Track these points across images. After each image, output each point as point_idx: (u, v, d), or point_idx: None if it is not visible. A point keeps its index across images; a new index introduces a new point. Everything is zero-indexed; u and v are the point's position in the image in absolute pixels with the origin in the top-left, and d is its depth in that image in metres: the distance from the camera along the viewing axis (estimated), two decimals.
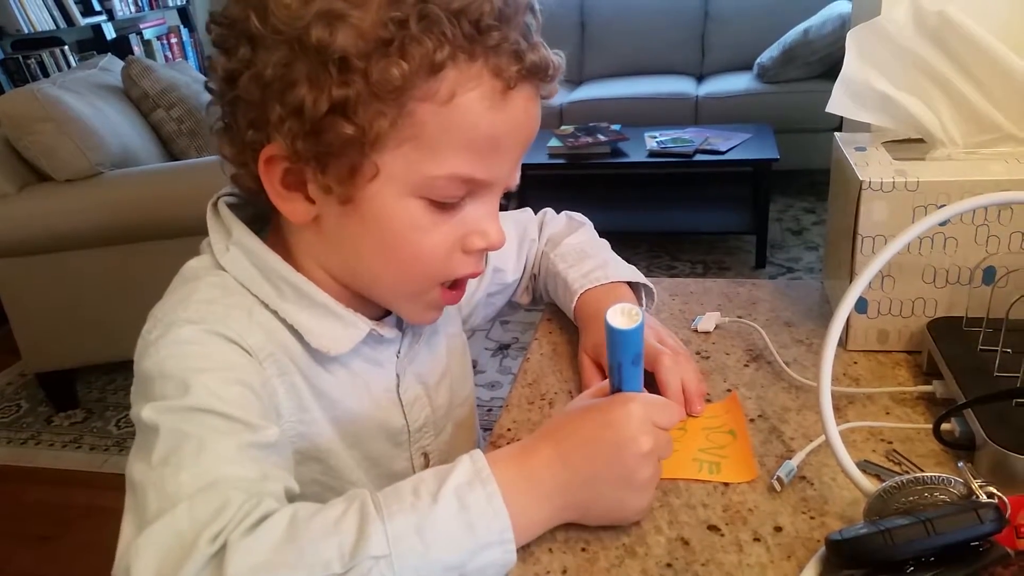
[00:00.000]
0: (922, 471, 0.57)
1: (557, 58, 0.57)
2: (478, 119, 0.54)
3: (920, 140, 0.75)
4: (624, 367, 0.54)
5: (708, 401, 0.70)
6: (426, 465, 0.73)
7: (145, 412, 0.50)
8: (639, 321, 0.51)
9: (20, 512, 2.09)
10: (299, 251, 0.62)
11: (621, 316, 0.51)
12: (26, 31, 3.57)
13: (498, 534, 0.48)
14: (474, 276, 0.64)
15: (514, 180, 0.61)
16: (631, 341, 0.52)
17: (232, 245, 0.61)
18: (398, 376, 0.69)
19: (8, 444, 2.36)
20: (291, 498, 0.51)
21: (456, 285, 0.64)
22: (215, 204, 0.63)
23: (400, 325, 0.69)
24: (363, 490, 0.48)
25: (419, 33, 0.50)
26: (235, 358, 0.56)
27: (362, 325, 0.63)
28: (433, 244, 0.58)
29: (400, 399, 0.69)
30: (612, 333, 0.51)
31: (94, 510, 1.98)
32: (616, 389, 0.55)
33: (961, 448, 0.59)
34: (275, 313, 0.60)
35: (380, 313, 0.68)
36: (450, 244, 0.59)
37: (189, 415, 0.50)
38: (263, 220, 0.64)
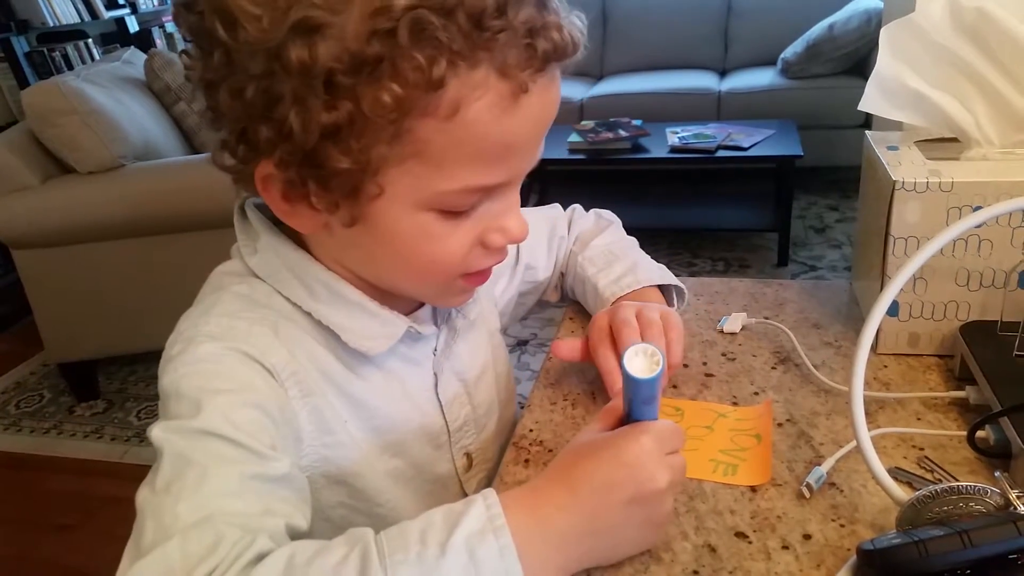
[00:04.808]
0: (955, 479, 0.56)
1: (579, 24, 0.50)
2: (487, 129, 0.48)
3: (954, 139, 0.73)
4: (635, 405, 0.51)
5: (735, 403, 0.69)
6: (469, 466, 0.71)
7: (156, 431, 0.49)
8: (658, 370, 0.47)
9: (42, 500, 2.11)
10: (320, 252, 0.59)
11: (640, 359, 0.48)
12: (51, 24, 3.60)
13: None
14: (498, 263, 0.60)
15: (534, 164, 0.56)
16: (649, 387, 0.49)
17: (260, 247, 0.59)
18: (435, 374, 0.67)
19: (31, 433, 2.39)
20: (294, 535, 0.48)
21: (480, 271, 0.59)
22: (241, 207, 0.61)
23: (436, 321, 0.67)
24: (366, 530, 0.45)
25: (410, 46, 0.43)
26: (254, 379, 0.53)
27: (399, 323, 0.61)
28: (450, 250, 0.55)
29: (439, 398, 0.67)
30: (629, 379, 0.48)
31: (115, 500, 1.99)
32: (627, 419, 0.52)
33: (996, 456, 0.57)
34: (308, 316, 0.57)
35: (411, 307, 0.66)
36: (468, 245, 0.55)
37: (197, 438, 0.48)
38: None
